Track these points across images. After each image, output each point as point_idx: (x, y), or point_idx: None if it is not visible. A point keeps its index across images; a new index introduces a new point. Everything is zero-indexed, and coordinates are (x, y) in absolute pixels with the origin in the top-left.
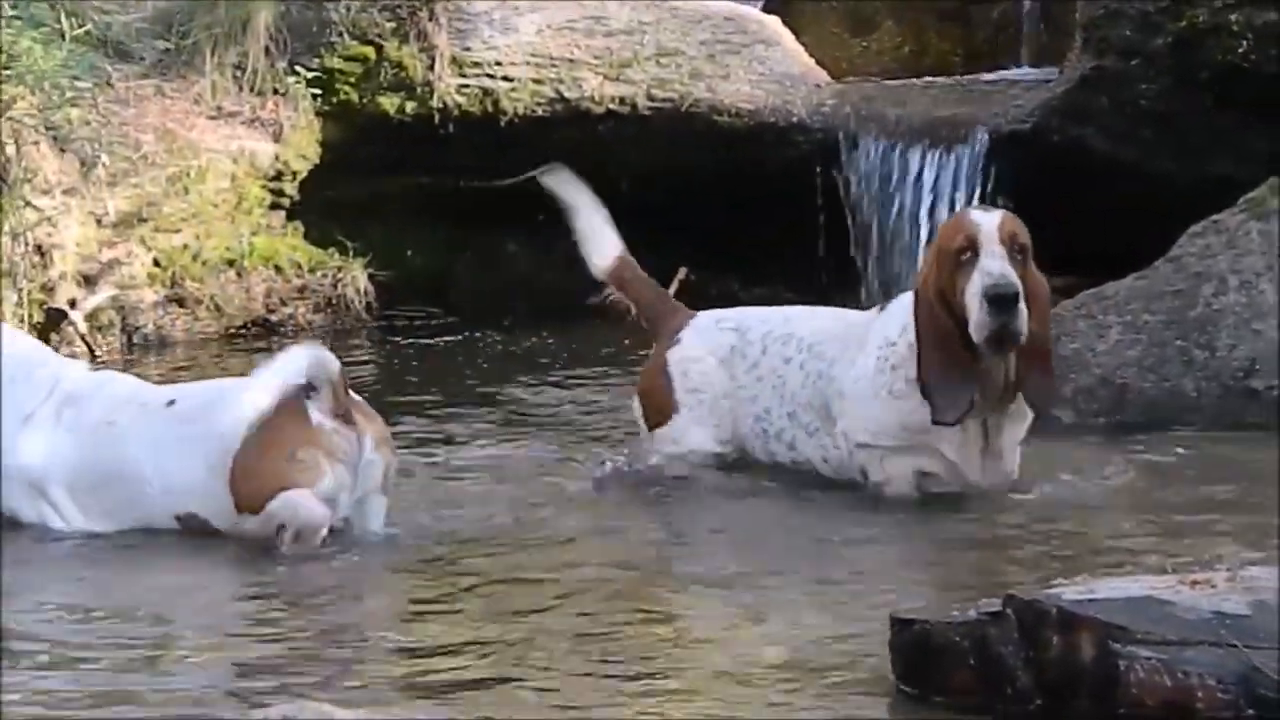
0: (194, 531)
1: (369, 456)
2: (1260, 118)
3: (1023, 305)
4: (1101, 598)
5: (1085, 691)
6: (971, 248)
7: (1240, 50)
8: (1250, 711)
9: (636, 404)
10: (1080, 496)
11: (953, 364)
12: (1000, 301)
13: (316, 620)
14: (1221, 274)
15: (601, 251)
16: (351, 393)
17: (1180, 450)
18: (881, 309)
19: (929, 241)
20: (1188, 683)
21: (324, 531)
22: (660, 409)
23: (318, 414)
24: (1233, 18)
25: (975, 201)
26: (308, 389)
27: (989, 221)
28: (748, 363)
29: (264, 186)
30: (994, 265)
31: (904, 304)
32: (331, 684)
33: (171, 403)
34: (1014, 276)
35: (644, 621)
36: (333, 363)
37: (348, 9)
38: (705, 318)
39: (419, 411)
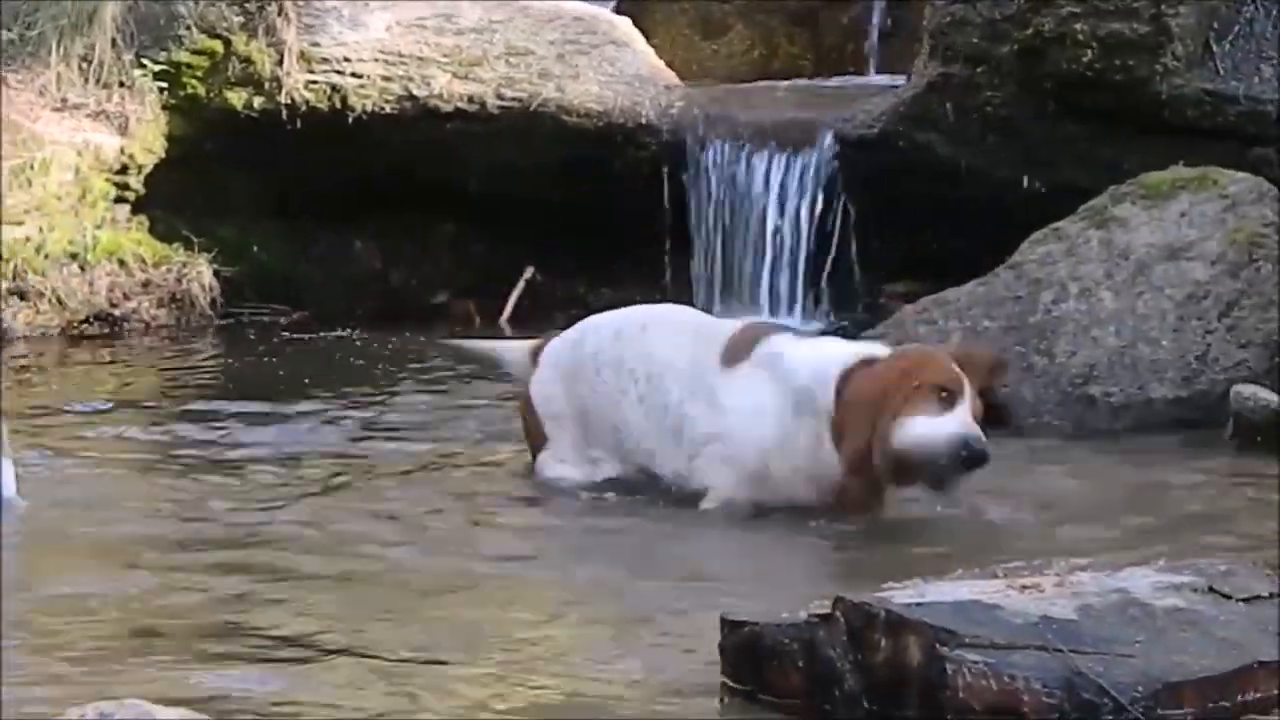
0: None
1: None
2: (1104, 126)
3: None
4: (930, 601)
5: (912, 695)
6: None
7: (1085, 59)
8: (1075, 715)
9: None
10: (913, 501)
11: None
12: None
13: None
14: (1061, 281)
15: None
16: None
17: (1015, 456)
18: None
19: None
20: (1013, 686)
21: None
22: (534, 440)
23: None
24: (1078, 27)
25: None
26: None
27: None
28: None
29: (109, 180)
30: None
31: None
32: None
33: None
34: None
35: (469, 622)
36: None
37: (196, 2)
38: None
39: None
